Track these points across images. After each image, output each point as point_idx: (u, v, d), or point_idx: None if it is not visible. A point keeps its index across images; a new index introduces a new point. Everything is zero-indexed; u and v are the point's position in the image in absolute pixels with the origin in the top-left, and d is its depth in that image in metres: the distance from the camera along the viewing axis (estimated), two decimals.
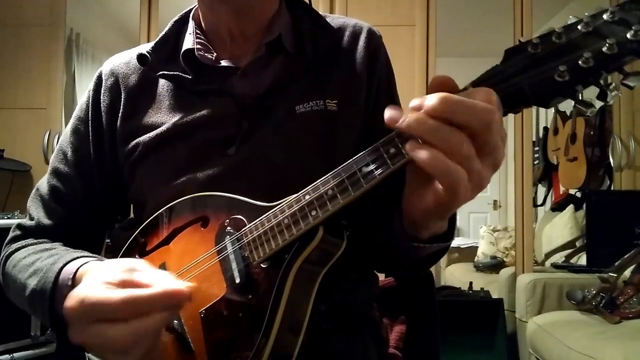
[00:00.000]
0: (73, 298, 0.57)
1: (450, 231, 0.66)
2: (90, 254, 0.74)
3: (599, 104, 0.48)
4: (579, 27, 0.46)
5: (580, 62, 0.45)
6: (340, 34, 0.87)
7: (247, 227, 0.66)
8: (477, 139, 0.48)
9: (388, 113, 0.51)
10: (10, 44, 2.79)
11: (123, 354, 0.55)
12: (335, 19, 0.89)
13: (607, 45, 0.44)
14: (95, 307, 0.55)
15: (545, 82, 0.47)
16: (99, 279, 0.58)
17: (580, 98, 0.47)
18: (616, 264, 2.05)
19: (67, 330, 0.71)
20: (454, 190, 0.49)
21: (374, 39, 0.88)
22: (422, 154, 0.49)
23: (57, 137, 2.71)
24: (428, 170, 0.49)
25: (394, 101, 0.89)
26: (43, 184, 0.89)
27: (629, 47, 0.43)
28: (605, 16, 0.45)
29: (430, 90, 0.51)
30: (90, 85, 0.90)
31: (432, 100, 0.48)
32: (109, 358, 0.57)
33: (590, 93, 0.48)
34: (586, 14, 0.46)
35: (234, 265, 0.66)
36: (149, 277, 0.58)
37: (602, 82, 0.45)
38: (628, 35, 0.43)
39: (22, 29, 2.79)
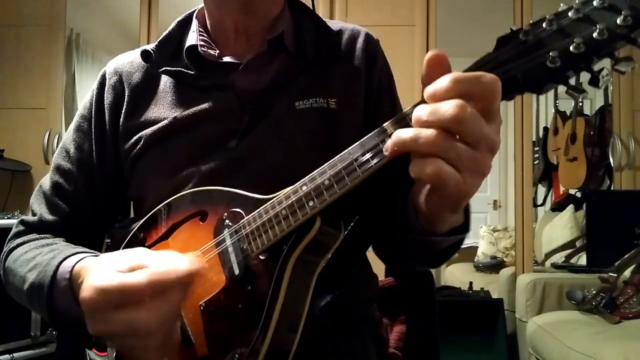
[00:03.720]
0: (89, 289, 0.56)
1: (467, 222, 0.66)
2: (90, 251, 0.75)
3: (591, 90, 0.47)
4: (569, 13, 0.46)
5: (571, 48, 0.45)
6: (339, 37, 0.89)
7: (245, 219, 0.66)
8: (484, 106, 0.48)
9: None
10: (10, 44, 2.80)
11: (148, 336, 0.55)
12: (333, 24, 0.91)
13: (597, 30, 0.44)
14: (121, 291, 0.54)
15: (537, 68, 0.47)
16: (108, 267, 0.57)
17: (571, 84, 0.47)
18: (616, 264, 2.05)
19: (64, 324, 0.72)
20: (443, 186, 0.49)
21: (371, 42, 0.90)
22: (412, 169, 0.50)
23: (57, 137, 2.72)
24: (413, 175, 0.50)
25: (395, 105, 0.90)
26: (46, 180, 0.90)
27: (619, 33, 0.43)
28: (595, 2, 0.45)
29: (428, 68, 0.51)
30: (94, 84, 0.92)
31: (444, 83, 0.49)
32: (131, 343, 0.56)
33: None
34: (577, 0, 0.46)
35: (232, 258, 0.66)
36: (158, 257, 0.58)
37: (593, 67, 0.46)
38: (618, 21, 0.43)
39: (22, 29, 2.80)
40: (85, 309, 0.56)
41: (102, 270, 0.58)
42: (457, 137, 0.48)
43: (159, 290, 0.55)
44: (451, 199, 0.52)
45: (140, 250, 0.61)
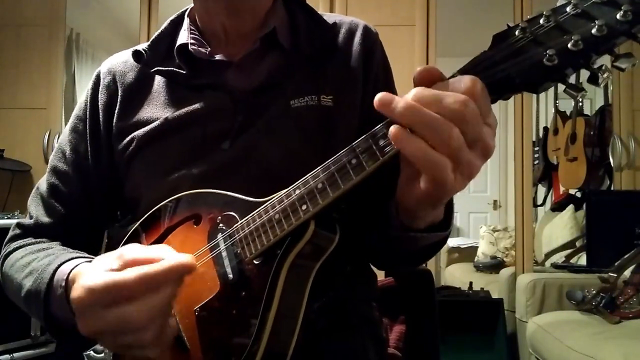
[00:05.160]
0: (79, 289, 0.56)
1: (447, 220, 0.66)
2: (86, 255, 0.74)
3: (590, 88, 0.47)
4: (567, 9, 0.45)
5: (569, 45, 0.44)
6: (335, 30, 0.87)
7: (238, 223, 0.66)
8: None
9: (379, 96, 0.49)
10: (10, 44, 2.79)
11: (141, 333, 0.55)
12: (331, 17, 0.89)
13: (596, 26, 0.43)
14: (109, 290, 0.54)
15: (534, 66, 0.46)
16: (99, 268, 0.58)
17: (570, 82, 0.46)
18: (616, 264, 2.04)
19: (62, 330, 0.72)
20: (439, 181, 0.48)
21: (370, 36, 0.87)
22: (405, 144, 0.48)
23: (57, 137, 2.71)
24: (411, 160, 0.48)
25: None
26: (42, 182, 0.90)
27: (619, 28, 0.42)
28: None
29: (417, 79, 0.50)
30: (89, 85, 0.91)
31: (403, 101, 0.47)
32: (123, 341, 0.56)
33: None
34: None
35: (226, 262, 0.65)
36: (151, 252, 0.58)
37: (592, 65, 0.45)
38: (617, 16, 0.42)
39: (22, 29, 2.79)
40: (75, 309, 0.56)
41: (92, 271, 0.58)
42: None
43: (149, 285, 0.55)
44: (436, 190, 0.50)
45: (131, 246, 0.61)
